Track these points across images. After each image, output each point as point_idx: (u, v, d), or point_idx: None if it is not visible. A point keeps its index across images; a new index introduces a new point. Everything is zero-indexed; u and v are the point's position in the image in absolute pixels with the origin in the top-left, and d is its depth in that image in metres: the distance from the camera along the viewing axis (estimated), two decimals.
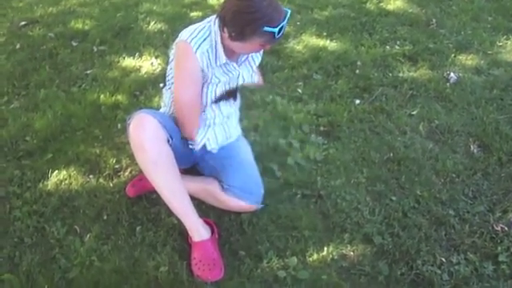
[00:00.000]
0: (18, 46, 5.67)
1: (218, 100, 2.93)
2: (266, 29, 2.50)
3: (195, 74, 2.78)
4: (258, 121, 3.96)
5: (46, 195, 3.46)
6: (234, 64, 2.87)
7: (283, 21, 2.54)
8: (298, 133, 3.85)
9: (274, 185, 3.36)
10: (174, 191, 2.85)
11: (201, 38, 2.73)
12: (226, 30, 2.62)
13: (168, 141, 2.76)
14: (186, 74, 2.80)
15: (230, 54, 2.79)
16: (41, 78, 4.93)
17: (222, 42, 2.74)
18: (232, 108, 3.13)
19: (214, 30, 2.73)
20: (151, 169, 2.76)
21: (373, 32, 5.52)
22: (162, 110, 3.23)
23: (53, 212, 3.33)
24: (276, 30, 2.50)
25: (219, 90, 2.90)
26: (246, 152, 3.22)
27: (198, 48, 2.70)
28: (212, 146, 3.10)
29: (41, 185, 3.55)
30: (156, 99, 4.32)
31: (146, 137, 2.69)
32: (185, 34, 2.75)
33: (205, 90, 2.87)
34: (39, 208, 3.36)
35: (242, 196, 2.93)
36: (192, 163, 3.22)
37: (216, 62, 2.79)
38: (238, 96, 3.12)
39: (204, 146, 3.09)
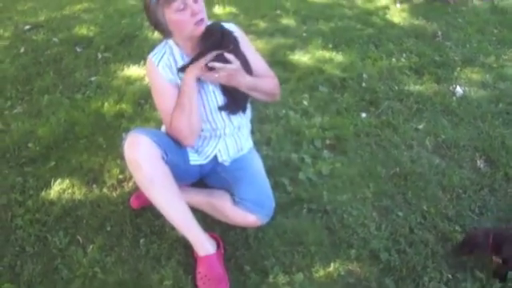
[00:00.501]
0: (22, 50, 5.67)
1: (221, 109, 2.91)
2: None
3: (162, 87, 2.84)
4: (271, 135, 3.95)
5: (49, 204, 3.44)
6: None
7: None
8: (310, 148, 3.84)
9: (285, 199, 3.34)
10: (174, 207, 2.83)
11: (160, 52, 2.85)
12: (154, 24, 2.78)
13: (163, 158, 2.74)
14: (154, 89, 2.90)
15: (191, 52, 2.82)
16: (44, 84, 4.92)
17: (177, 45, 2.83)
18: (243, 119, 3.09)
19: (168, 40, 2.85)
20: (148, 187, 2.75)
21: (379, 44, 5.50)
22: (163, 127, 3.22)
23: (55, 221, 3.30)
24: None
25: (210, 96, 2.90)
26: (258, 165, 3.19)
27: (159, 61, 2.82)
28: (223, 158, 3.07)
29: (43, 193, 3.52)
30: None
31: (140, 155, 2.68)
32: (151, 53, 2.88)
33: (199, 98, 2.87)
34: (41, 217, 3.34)
35: (253, 209, 2.89)
36: (198, 177, 3.18)
37: (177, 67, 2.82)
38: (249, 107, 3.09)
39: (215, 158, 3.07)
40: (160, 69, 2.79)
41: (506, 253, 2.81)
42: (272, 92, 3.04)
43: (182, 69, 2.75)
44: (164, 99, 2.83)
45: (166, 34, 2.78)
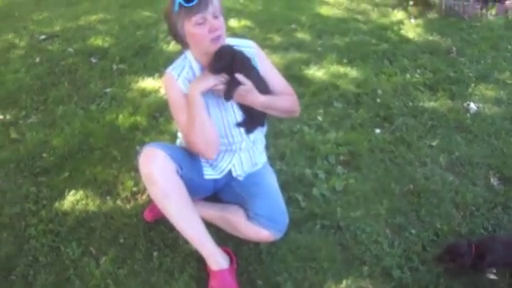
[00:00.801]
0: (37, 60, 5.72)
1: (239, 125, 2.91)
2: (175, 7, 2.60)
3: (181, 101, 2.81)
4: (285, 150, 3.96)
5: (62, 214, 3.45)
6: None
7: None
8: (324, 163, 3.84)
9: (299, 215, 3.33)
10: (188, 221, 2.83)
11: (179, 66, 2.85)
12: (173, 35, 2.78)
13: (178, 172, 2.75)
14: (174, 103, 2.87)
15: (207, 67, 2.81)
16: (59, 94, 4.95)
17: (196, 59, 2.83)
18: (258, 133, 3.10)
19: (186, 53, 2.86)
20: (162, 201, 2.76)
21: (393, 59, 5.51)
22: (178, 141, 3.24)
23: (68, 232, 3.31)
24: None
25: (229, 112, 2.91)
26: (272, 180, 3.19)
27: (178, 75, 2.81)
28: (238, 173, 3.08)
29: (57, 203, 3.54)
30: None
31: (154, 170, 2.69)
32: (169, 67, 2.88)
33: (217, 112, 2.89)
34: (55, 227, 3.35)
35: (267, 225, 2.88)
36: (211, 192, 3.18)
37: None
38: (265, 122, 3.10)
39: (229, 173, 3.07)
40: (180, 83, 2.79)
41: (488, 263, 2.85)
42: (289, 110, 3.03)
43: None
44: (184, 113, 2.81)
45: (184, 45, 2.79)
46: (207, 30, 2.62)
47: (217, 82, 2.66)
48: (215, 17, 2.63)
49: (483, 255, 2.81)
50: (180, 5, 2.56)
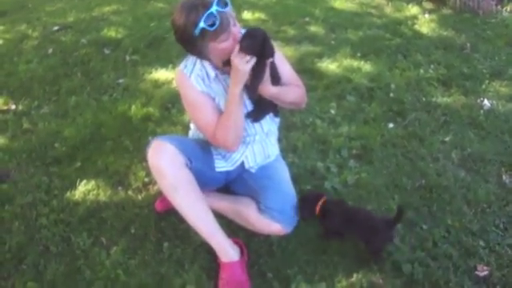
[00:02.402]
0: (50, 51, 5.73)
1: (247, 116, 2.89)
2: (196, 31, 2.52)
3: (198, 99, 2.81)
4: (297, 142, 3.95)
5: (73, 204, 3.47)
6: (226, 77, 2.81)
7: (205, 11, 2.50)
8: (336, 157, 3.83)
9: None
10: (198, 214, 2.84)
11: (191, 63, 2.82)
12: (189, 51, 2.74)
13: (187, 165, 2.76)
14: (189, 101, 2.87)
15: (221, 65, 2.78)
16: (72, 85, 4.96)
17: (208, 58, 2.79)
18: (272, 125, 3.10)
19: None
20: (172, 194, 2.77)
21: (407, 54, 5.48)
22: (190, 132, 3.25)
23: (79, 222, 3.32)
24: (201, 25, 2.49)
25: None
26: (284, 174, 3.19)
27: (191, 73, 2.79)
28: (250, 165, 3.07)
29: (68, 193, 3.55)
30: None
31: (163, 163, 2.71)
32: (181, 64, 2.86)
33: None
34: (66, 217, 3.37)
35: (278, 218, 2.88)
36: (223, 183, 3.18)
37: (209, 78, 2.81)
38: (279, 115, 3.09)
39: (242, 165, 3.06)
40: (193, 80, 2.78)
41: (327, 223, 3.04)
42: (297, 102, 3.01)
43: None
44: (202, 111, 2.82)
45: (201, 57, 2.76)
46: (232, 40, 2.59)
47: (243, 65, 2.56)
48: (234, 24, 2.61)
49: (325, 215, 2.99)
50: (202, 29, 2.51)
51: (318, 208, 2.99)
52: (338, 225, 2.98)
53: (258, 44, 2.55)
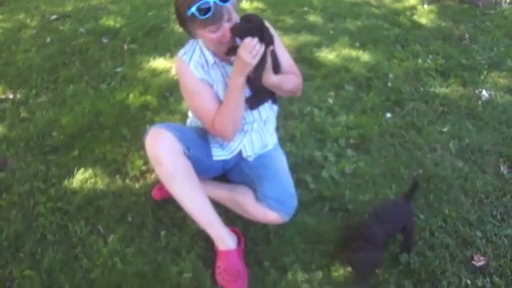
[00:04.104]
0: (48, 40, 5.71)
1: (245, 102, 2.87)
2: (188, 13, 2.53)
3: (195, 87, 2.81)
4: (295, 132, 3.95)
5: (71, 193, 3.47)
6: (225, 64, 2.84)
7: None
8: (333, 146, 3.83)
9: (307, 197, 3.33)
10: (195, 202, 2.84)
11: (190, 50, 2.82)
12: (183, 29, 2.74)
13: (184, 152, 2.76)
14: (188, 89, 2.86)
15: (221, 55, 2.78)
16: (70, 73, 4.96)
17: (205, 44, 2.80)
18: (270, 113, 3.10)
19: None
20: (169, 181, 2.78)
21: (405, 44, 5.47)
22: (188, 120, 3.25)
23: (77, 210, 3.33)
24: (193, 9, 2.50)
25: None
26: (282, 163, 3.18)
27: (190, 60, 2.79)
28: (248, 153, 3.07)
29: (66, 182, 3.55)
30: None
31: (161, 150, 2.71)
32: (180, 51, 2.85)
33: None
34: (63, 205, 3.37)
35: (275, 207, 2.88)
36: (220, 172, 3.18)
37: (208, 65, 2.81)
38: (277, 102, 3.08)
39: (239, 153, 3.06)
40: (192, 67, 2.77)
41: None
42: (292, 91, 2.99)
43: (231, 51, 2.67)
44: (200, 99, 2.82)
45: (194, 37, 2.78)
46: (219, 37, 2.61)
47: (251, 59, 2.54)
48: (229, 20, 2.59)
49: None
50: (193, 14, 2.51)
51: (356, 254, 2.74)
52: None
53: (253, 29, 2.53)
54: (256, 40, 2.50)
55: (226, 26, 2.58)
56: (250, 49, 2.49)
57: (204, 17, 2.50)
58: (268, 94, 2.87)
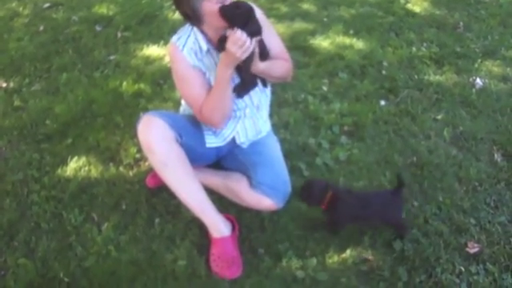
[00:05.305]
0: (41, 28, 5.70)
1: (233, 90, 2.84)
2: None
3: (188, 73, 2.80)
4: (289, 119, 3.95)
5: (65, 181, 3.48)
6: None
7: None
8: (327, 133, 3.83)
9: (301, 184, 3.28)
10: (188, 189, 2.85)
11: (184, 36, 2.80)
12: (185, 12, 2.70)
13: (177, 140, 2.76)
14: (179, 74, 2.85)
15: (215, 39, 2.74)
16: (63, 62, 4.95)
17: (201, 31, 2.78)
18: (263, 97, 3.08)
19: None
20: (161, 169, 2.79)
21: (399, 32, 5.44)
22: (181, 108, 3.24)
23: (71, 198, 3.34)
24: None
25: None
26: (276, 150, 3.19)
27: (184, 46, 2.77)
28: (241, 140, 3.07)
29: (59, 170, 3.56)
30: None
31: (153, 138, 2.72)
32: (174, 36, 2.83)
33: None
34: (57, 193, 3.38)
35: (269, 194, 2.89)
36: (214, 160, 3.19)
37: (202, 52, 2.79)
38: (269, 89, 3.08)
39: (233, 140, 3.06)
40: (185, 53, 2.76)
41: (339, 216, 2.96)
42: (282, 77, 2.99)
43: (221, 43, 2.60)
44: (190, 85, 2.81)
45: (195, 22, 2.73)
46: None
47: (240, 54, 2.51)
48: None
49: (335, 205, 2.91)
50: None
51: (326, 202, 2.93)
52: (351, 215, 2.96)
53: (240, 15, 2.51)
54: (245, 35, 2.47)
55: None
56: (241, 43, 2.47)
57: None
58: (256, 81, 2.85)
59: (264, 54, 2.71)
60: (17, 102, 4.39)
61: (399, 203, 2.99)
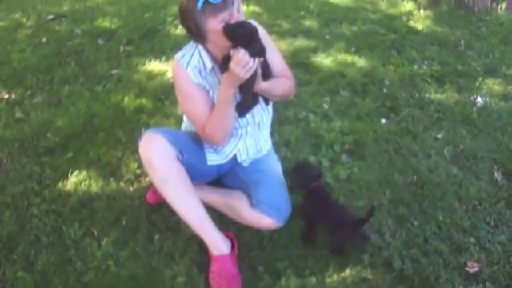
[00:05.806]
0: (44, 40, 5.72)
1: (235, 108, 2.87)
2: (199, 3, 2.49)
3: (191, 91, 2.81)
4: (290, 137, 3.95)
5: (65, 195, 3.47)
6: None
7: None
8: (328, 152, 3.83)
9: (300, 202, 3.29)
10: (188, 207, 2.85)
11: (189, 53, 2.80)
12: (190, 29, 2.67)
13: (178, 157, 2.77)
14: (183, 92, 2.86)
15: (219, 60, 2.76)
16: (65, 74, 4.96)
17: (206, 49, 2.78)
18: (265, 114, 3.08)
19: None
20: (162, 186, 2.79)
21: (401, 50, 5.47)
22: (183, 125, 3.25)
23: (71, 212, 3.33)
24: None
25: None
26: (276, 168, 3.19)
27: (188, 63, 2.78)
28: (243, 158, 3.08)
29: (60, 184, 3.55)
30: None
31: (154, 155, 2.72)
32: (178, 53, 2.84)
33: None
34: (57, 207, 3.37)
35: (270, 213, 2.89)
36: (215, 177, 3.19)
37: (206, 70, 2.80)
38: (270, 102, 3.07)
39: (234, 158, 3.06)
40: (189, 71, 2.76)
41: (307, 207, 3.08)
42: (285, 95, 3.02)
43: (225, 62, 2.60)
44: (194, 103, 2.82)
45: (199, 39, 2.73)
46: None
47: (243, 74, 2.53)
48: (238, 11, 2.58)
49: (311, 197, 3.04)
50: (205, 2, 2.49)
51: (308, 189, 3.02)
52: (314, 213, 3.02)
53: (243, 35, 2.52)
54: (247, 55, 2.48)
55: (236, 14, 2.57)
56: (244, 63, 2.48)
57: (216, 1, 2.48)
58: (257, 99, 2.86)
59: (266, 73, 2.72)
60: (18, 114, 4.39)
61: (350, 233, 2.97)
